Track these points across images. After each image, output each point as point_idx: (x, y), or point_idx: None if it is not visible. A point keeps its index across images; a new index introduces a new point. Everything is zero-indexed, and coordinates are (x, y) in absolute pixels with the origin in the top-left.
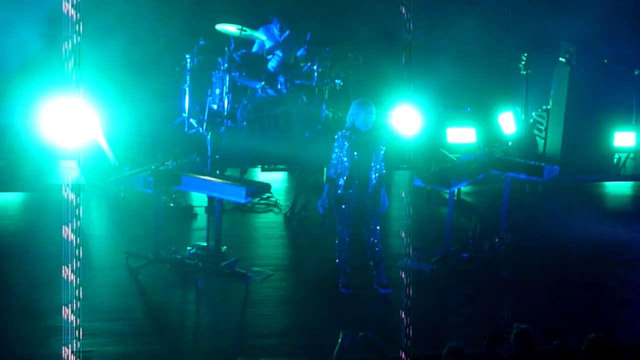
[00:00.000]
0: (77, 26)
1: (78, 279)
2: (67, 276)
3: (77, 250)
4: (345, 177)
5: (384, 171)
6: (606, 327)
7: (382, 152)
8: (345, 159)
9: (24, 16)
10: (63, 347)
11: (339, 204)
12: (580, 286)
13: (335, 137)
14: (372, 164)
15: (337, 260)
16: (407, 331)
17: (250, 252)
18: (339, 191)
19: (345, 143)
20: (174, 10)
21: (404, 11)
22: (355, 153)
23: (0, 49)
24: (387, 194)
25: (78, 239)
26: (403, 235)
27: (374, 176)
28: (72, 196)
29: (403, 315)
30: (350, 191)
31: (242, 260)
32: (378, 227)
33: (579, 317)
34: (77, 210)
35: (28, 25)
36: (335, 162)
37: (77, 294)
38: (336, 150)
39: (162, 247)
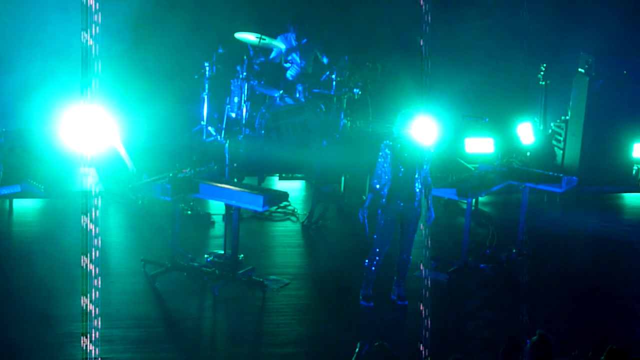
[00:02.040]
0: (96, 33)
1: (97, 289)
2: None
3: (95, 254)
4: (389, 188)
5: (430, 182)
6: (625, 339)
7: (428, 165)
8: (385, 171)
9: (42, 23)
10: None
11: (382, 216)
12: (598, 298)
13: (381, 147)
14: (416, 176)
15: (371, 274)
16: (424, 341)
17: (267, 260)
18: (383, 201)
19: (389, 154)
20: (193, 18)
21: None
22: (399, 164)
23: (19, 56)
24: (433, 205)
25: (97, 251)
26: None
27: (418, 188)
28: (90, 203)
29: (421, 326)
30: (397, 202)
31: (259, 268)
32: (412, 242)
33: (598, 328)
34: (95, 218)
35: (46, 32)
36: (380, 172)
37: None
38: (380, 161)
39: (179, 254)
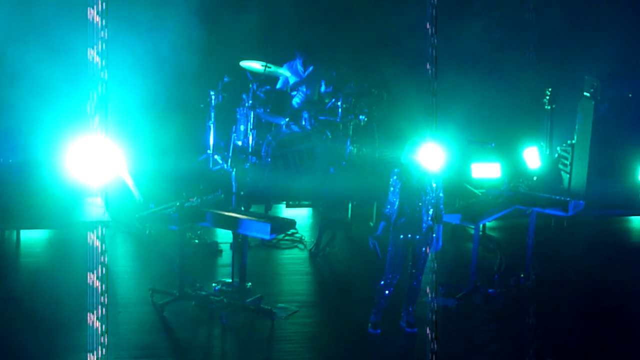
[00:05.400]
0: (102, 63)
1: (103, 324)
2: (92, 321)
3: (103, 293)
4: (396, 216)
5: (442, 210)
6: None
7: (440, 191)
8: (395, 199)
9: (49, 53)
10: None
11: (392, 243)
12: (607, 322)
13: (391, 174)
14: (424, 203)
15: (382, 301)
16: None
17: (275, 288)
18: (391, 229)
19: (398, 181)
20: (198, 47)
21: (430, 65)
22: (407, 191)
23: (26, 86)
24: (441, 233)
25: (103, 283)
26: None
27: (426, 215)
28: (97, 233)
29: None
30: (405, 230)
31: (267, 296)
32: (423, 269)
33: (607, 353)
34: (102, 248)
35: (53, 62)
36: (391, 199)
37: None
38: (391, 189)
39: (187, 283)
